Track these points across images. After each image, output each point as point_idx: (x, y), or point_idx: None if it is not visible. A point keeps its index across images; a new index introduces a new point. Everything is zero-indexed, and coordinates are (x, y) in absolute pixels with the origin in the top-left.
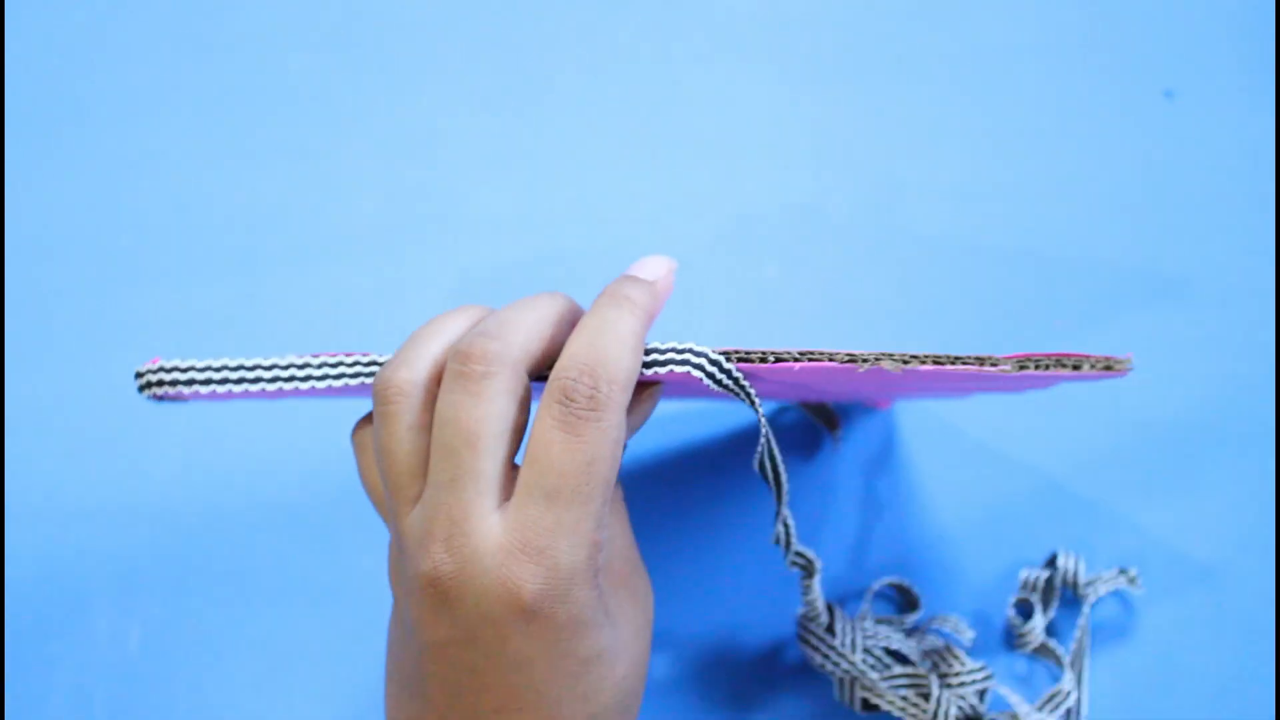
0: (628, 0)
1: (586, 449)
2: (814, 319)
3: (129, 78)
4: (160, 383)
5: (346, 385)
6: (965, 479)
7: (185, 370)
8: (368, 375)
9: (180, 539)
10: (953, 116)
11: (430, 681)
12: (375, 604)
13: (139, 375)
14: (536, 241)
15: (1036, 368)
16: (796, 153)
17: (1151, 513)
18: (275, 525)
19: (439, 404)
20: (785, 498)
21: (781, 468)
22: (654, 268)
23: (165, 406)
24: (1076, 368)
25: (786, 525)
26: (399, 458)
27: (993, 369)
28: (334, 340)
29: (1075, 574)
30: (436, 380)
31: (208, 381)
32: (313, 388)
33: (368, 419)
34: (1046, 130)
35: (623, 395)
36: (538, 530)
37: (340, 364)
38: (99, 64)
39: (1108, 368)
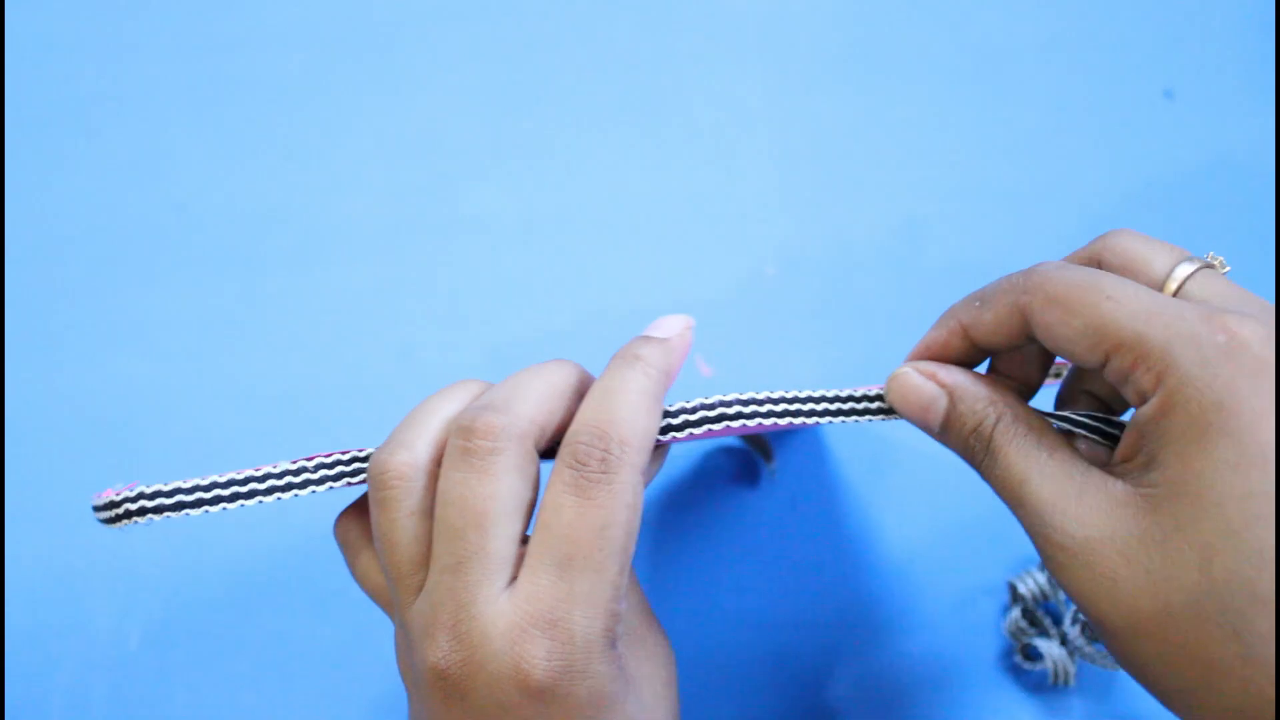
0: (628, 0)
1: (600, 513)
2: (814, 318)
3: (129, 77)
4: (125, 515)
5: (346, 484)
6: (961, 481)
7: (151, 497)
8: (363, 469)
9: (180, 539)
10: (953, 116)
11: None
12: (375, 605)
13: (97, 509)
14: (537, 241)
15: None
16: (797, 152)
17: None
18: (275, 525)
19: (441, 483)
20: None
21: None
22: (669, 326)
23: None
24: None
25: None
26: (400, 546)
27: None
28: (334, 340)
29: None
30: (437, 462)
31: (178, 506)
32: (296, 495)
33: (351, 511)
34: (1046, 130)
35: (637, 456)
36: (550, 602)
37: (330, 465)
38: (99, 64)
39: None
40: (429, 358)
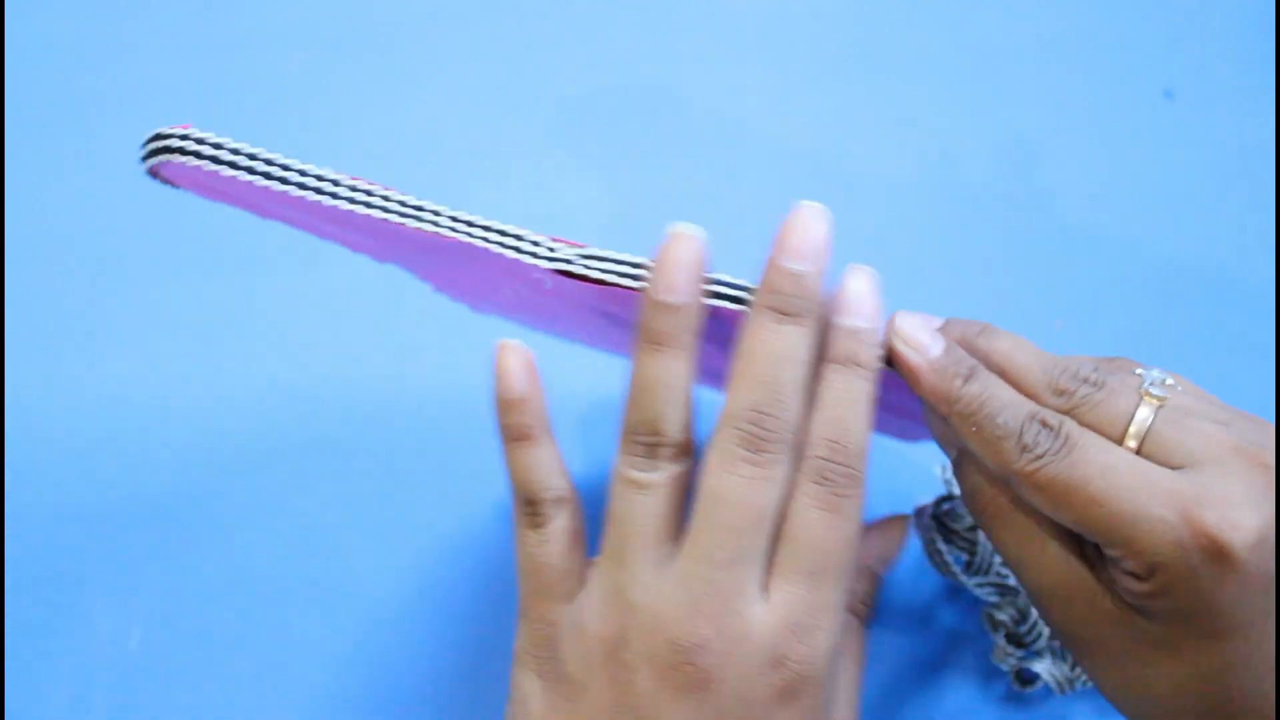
0: (628, 0)
1: (847, 526)
2: None
3: (129, 77)
4: (160, 151)
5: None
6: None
7: (179, 137)
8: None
9: (180, 539)
10: (952, 116)
11: None
12: (376, 604)
13: (142, 149)
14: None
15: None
16: (797, 152)
17: None
18: (276, 524)
19: (716, 481)
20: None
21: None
22: (868, 310)
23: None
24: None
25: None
26: (652, 518)
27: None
28: (334, 340)
29: None
30: (686, 445)
31: (217, 160)
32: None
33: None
34: (1046, 130)
35: (866, 465)
36: (804, 609)
37: (534, 243)
38: (99, 64)
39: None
40: (429, 357)
